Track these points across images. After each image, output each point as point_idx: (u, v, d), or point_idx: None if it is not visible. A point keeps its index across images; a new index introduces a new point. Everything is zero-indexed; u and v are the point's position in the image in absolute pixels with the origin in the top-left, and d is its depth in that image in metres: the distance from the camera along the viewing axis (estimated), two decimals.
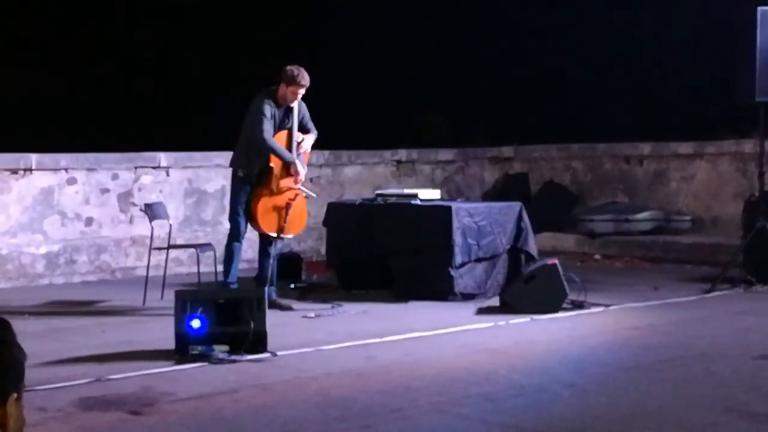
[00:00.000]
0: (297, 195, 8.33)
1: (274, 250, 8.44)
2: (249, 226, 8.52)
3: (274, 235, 8.36)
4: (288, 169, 8.28)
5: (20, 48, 16.77)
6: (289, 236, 8.76)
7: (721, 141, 12.58)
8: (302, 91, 8.17)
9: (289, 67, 8.17)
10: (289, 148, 8.26)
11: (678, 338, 7.16)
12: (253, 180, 8.30)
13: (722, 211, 12.21)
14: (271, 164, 8.25)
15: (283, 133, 8.28)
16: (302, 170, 8.30)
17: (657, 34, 15.31)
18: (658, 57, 15.58)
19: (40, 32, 17.20)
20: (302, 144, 8.33)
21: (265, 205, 8.27)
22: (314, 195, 9.12)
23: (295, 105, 8.25)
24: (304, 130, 8.44)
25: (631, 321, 7.87)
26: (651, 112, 15.16)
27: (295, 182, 8.30)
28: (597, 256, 12.00)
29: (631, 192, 13.23)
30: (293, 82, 8.11)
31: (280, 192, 8.28)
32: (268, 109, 8.13)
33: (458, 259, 8.86)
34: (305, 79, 8.13)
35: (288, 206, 8.26)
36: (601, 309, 8.34)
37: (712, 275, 9.56)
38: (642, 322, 7.83)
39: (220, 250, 8.82)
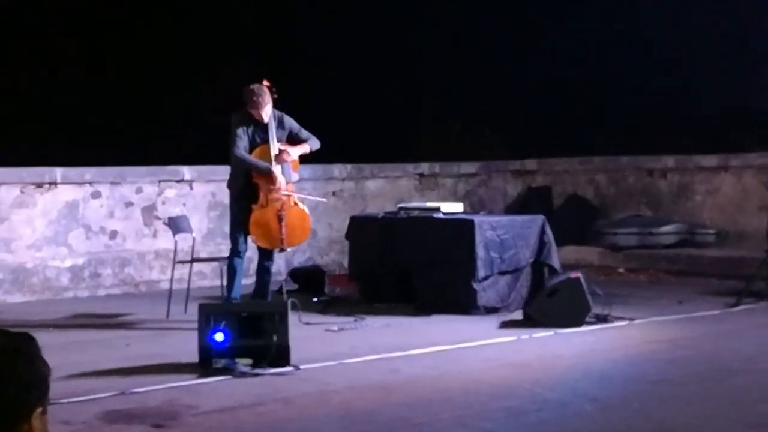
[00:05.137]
0: (284, 205, 8.27)
1: (272, 266, 8.48)
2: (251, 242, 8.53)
3: (277, 248, 8.38)
4: (272, 181, 8.30)
5: (44, 63, 16.88)
6: (293, 246, 8.77)
7: (745, 154, 12.51)
8: (265, 110, 8.20)
9: (246, 89, 8.25)
10: (270, 160, 8.27)
11: (702, 352, 7.11)
12: (247, 197, 8.30)
13: (747, 224, 12.13)
14: (255, 180, 8.27)
15: (262, 147, 8.32)
16: (281, 178, 8.24)
17: (681, 47, 15.26)
18: (681, 69, 15.52)
19: (63, 48, 17.32)
20: (283, 154, 8.29)
21: (257, 221, 8.26)
22: (316, 199, 9.07)
23: (267, 120, 8.27)
24: (296, 142, 8.46)
25: (655, 335, 7.83)
26: (675, 125, 15.10)
27: (272, 191, 8.24)
28: (621, 270, 11.95)
29: (654, 205, 13.17)
30: (249, 104, 8.21)
31: (269, 205, 8.28)
32: (241, 126, 8.26)
33: (481, 272, 8.85)
34: (259, 102, 8.15)
35: (280, 217, 8.25)
36: (625, 323, 8.29)
37: (737, 289, 9.48)
38: (666, 336, 7.79)
39: (246, 262, 8.84)
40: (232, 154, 8.30)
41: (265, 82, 8.38)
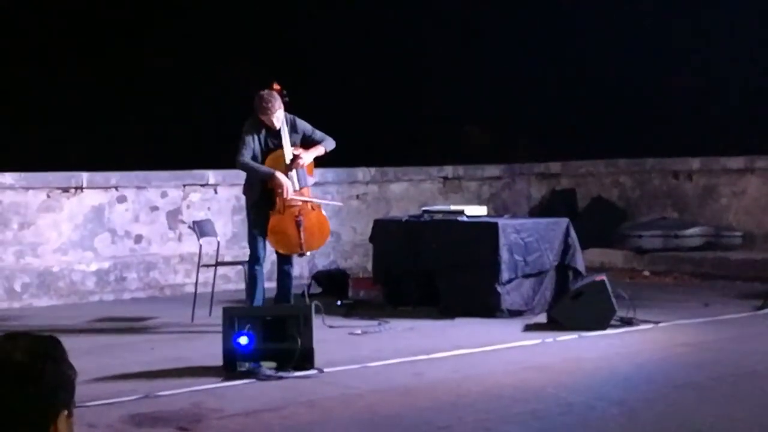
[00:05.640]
0: (301, 210, 8.21)
1: (292, 269, 8.46)
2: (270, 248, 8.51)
3: (296, 254, 8.35)
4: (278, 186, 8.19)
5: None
6: (312, 251, 8.77)
7: None
8: (276, 115, 8.09)
9: (256, 96, 8.14)
10: (284, 166, 8.20)
11: (729, 355, 7.07)
12: (264, 203, 8.24)
13: None
14: (270, 186, 8.18)
15: (276, 153, 8.23)
16: (287, 183, 8.13)
17: (705, 48, 15.18)
18: (706, 70, 15.44)
19: (88, 54, 17.43)
20: (299, 159, 8.19)
21: (273, 228, 8.21)
22: (332, 203, 9.05)
23: (279, 125, 8.16)
24: (310, 144, 8.35)
25: (680, 338, 7.79)
26: (700, 127, 15.01)
27: (280, 195, 8.13)
28: (646, 273, 11.89)
29: (680, 207, 13.10)
30: (259, 111, 8.11)
31: (286, 212, 8.22)
32: (251, 134, 8.15)
33: (505, 275, 8.84)
34: (269, 108, 8.04)
35: (298, 223, 8.21)
36: (650, 326, 8.26)
37: (764, 291, 9.43)
38: (692, 339, 7.75)
39: (267, 266, 8.87)
40: (236, 161, 8.21)
41: (275, 86, 8.26)
